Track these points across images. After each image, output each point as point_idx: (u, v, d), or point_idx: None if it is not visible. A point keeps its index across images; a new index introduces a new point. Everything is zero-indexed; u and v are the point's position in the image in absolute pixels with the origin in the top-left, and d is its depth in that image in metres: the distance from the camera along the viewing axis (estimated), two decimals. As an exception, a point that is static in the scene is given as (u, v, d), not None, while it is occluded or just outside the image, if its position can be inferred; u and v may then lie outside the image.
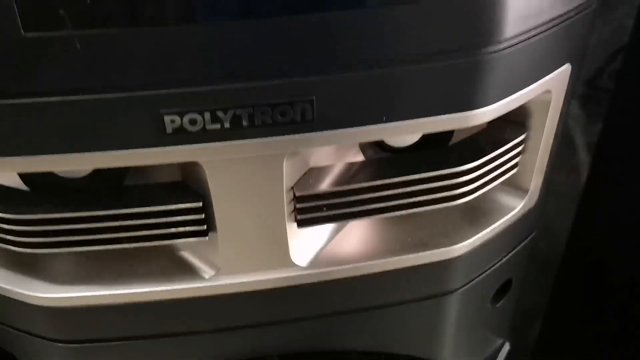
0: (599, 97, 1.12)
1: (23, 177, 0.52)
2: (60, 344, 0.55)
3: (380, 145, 0.56)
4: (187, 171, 0.50)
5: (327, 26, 0.41)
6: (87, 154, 0.44)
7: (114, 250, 0.53)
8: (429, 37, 0.42)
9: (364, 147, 0.56)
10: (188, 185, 0.50)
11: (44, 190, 0.51)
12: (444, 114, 0.46)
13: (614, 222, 1.05)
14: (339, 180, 0.51)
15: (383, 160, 0.54)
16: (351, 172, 0.52)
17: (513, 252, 0.63)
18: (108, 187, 0.51)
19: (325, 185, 0.51)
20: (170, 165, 0.52)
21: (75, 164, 0.45)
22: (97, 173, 0.52)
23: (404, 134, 0.47)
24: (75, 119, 0.42)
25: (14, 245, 0.50)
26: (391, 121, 0.45)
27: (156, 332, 0.56)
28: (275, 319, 0.57)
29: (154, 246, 0.54)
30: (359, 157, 0.56)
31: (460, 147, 0.53)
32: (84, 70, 0.41)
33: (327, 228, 0.56)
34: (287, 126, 0.44)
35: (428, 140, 0.56)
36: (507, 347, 0.79)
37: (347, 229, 0.57)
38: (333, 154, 0.54)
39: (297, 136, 0.45)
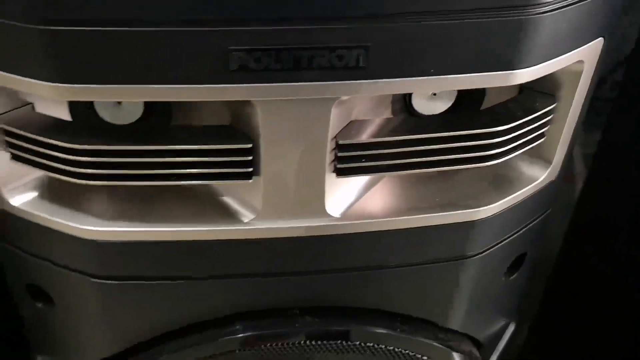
0: (600, 107, 1.14)
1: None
2: (97, 280, 0.57)
3: (410, 112, 0.59)
4: (235, 114, 0.53)
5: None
6: (149, 87, 0.46)
7: (157, 192, 0.56)
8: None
9: (395, 113, 0.59)
10: (236, 128, 0.53)
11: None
12: (487, 71, 0.49)
13: (610, 229, 1.07)
14: (378, 135, 0.54)
15: (421, 118, 0.56)
16: (389, 128, 0.55)
17: (529, 225, 0.66)
18: (160, 126, 0.54)
19: (365, 137, 0.54)
20: (217, 111, 0.54)
21: (135, 96, 0.48)
22: (144, 118, 0.55)
23: (448, 88, 0.50)
24: (147, 51, 0.45)
25: (67, 176, 0.52)
26: (439, 74, 0.48)
27: (189, 274, 0.58)
28: (301, 269, 0.59)
29: (196, 190, 0.57)
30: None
31: (494, 112, 0.56)
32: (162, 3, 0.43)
33: (361, 183, 0.58)
34: (341, 71, 0.47)
35: (456, 109, 0.58)
36: (512, 327, 0.81)
37: (378, 186, 0.59)
38: (371, 112, 0.57)
39: (349, 82, 0.47)
